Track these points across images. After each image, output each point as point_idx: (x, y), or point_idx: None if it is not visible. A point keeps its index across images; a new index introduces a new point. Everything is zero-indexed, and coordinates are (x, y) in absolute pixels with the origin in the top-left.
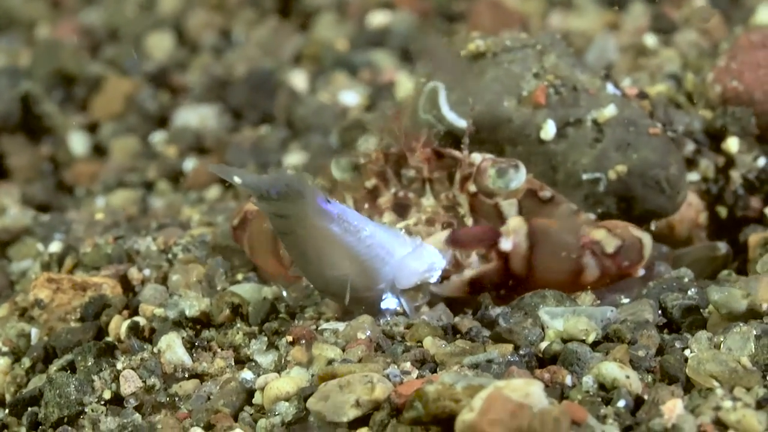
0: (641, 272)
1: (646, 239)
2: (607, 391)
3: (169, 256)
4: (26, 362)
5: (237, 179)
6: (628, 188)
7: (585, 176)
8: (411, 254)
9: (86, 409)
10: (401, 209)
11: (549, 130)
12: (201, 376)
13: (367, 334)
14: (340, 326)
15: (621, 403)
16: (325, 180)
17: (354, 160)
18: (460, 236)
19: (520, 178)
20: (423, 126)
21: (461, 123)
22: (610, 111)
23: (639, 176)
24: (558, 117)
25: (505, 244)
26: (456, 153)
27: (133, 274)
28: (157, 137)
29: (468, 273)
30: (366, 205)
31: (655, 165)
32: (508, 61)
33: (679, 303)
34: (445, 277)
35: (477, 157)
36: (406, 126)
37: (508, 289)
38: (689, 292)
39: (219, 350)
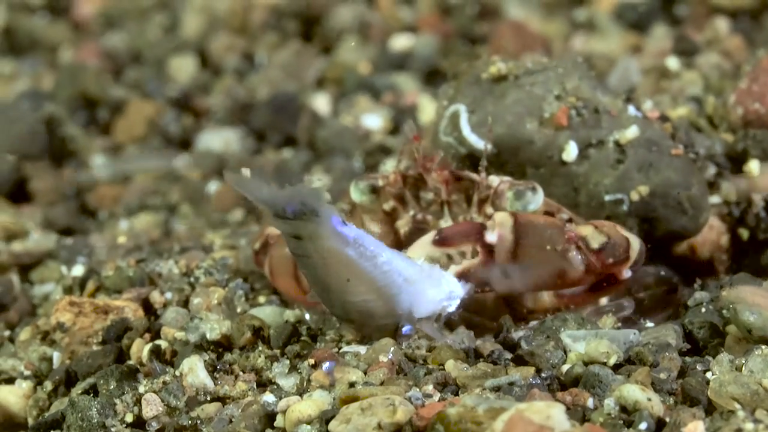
0: (627, 273)
1: (634, 240)
2: (628, 413)
3: (191, 279)
4: (48, 385)
5: (253, 193)
6: (650, 209)
7: (607, 197)
8: (429, 282)
9: None
10: (419, 232)
11: (571, 151)
12: (223, 399)
13: (389, 356)
14: (362, 349)
15: (643, 426)
16: (346, 202)
17: (373, 182)
18: (446, 234)
19: (537, 200)
20: (444, 148)
21: (482, 145)
22: (632, 132)
23: (661, 197)
24: (580, 138)
25: (491, 237)
26: (474, 175)
27: (155, 297)
28: (180, 160)
29: (454, 268)
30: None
31: (677, 185)
32: (530, 84)
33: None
34: None
35: (494, 180)
36: (426, 148)
37: (499, 287)
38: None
39: (241, 373)
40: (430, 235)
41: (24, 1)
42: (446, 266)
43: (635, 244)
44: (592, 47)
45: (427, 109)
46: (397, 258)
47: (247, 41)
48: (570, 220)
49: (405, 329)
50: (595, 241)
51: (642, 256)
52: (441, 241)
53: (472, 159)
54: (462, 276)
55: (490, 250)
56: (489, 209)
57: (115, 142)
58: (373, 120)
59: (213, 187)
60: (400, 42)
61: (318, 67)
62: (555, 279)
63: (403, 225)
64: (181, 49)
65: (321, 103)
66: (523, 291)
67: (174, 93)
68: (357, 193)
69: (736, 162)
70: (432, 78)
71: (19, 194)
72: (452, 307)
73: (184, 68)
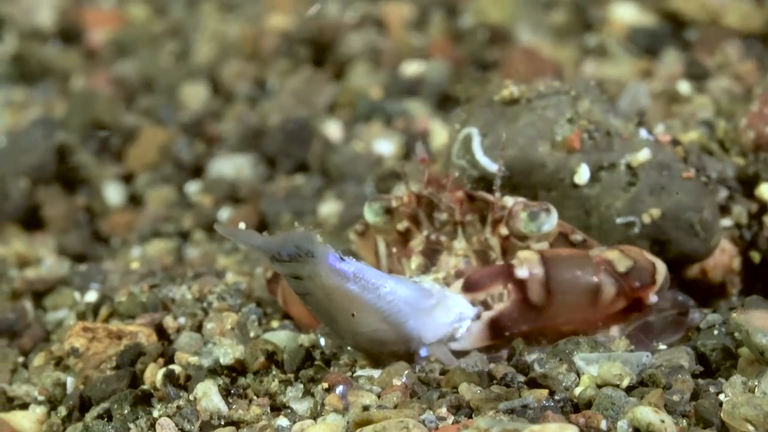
0: (653, 298)
1: (660, 265)
2: None
3: (204, 304)
4: (62, 411)
5: (246, 241)
6: (662, 231)
7: (619, 220)
8: (436, 306)
9: None
10: (433, 252)
11: (583, 174)
12: (237, 424)
13: (403, 380)
14: (376, 373)
15: None
16: (360, 223)
17: (386, 203)
18: (475, 279)
19: (551, 221)
20: (457, 171)
21: (495, 168)
22: (644, 155)
23: (673, 219)
24: (592, 161)
25: (521, 273)
26: (488, 196)
27: (169, 322)
28: (193, 187)
29: (487, 315)
30: (396, 249)
31: (688, 208)
32: (542, 107)
33: (715, 347)
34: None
35: (509, 200)
36: (436, 171)
37: (530, 324)
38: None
39: (255, 397)
40: (458, 283)
41: (36, 29)
42: (479, 315)
43: (661, 268)
44: (603, 72)
45: (439, 134)
46: (400, 286)
47: (259, 68)
48: (584, 242)
49: (421, 352)
50: (622, 264)
51: (667, 282)
52: (470, 287)
53: (484, 182)
54: (497, 321)
55: (522, 286)
56: (503, 230)
57: (128, 169)
58: (385, 145)
59: (225, 213)
60: (412, 68)
61: (329, 93)
62: (591, 306)
63: (416, 245)
64: (193, 76)
65: (332, 129)
66: (558, 323)
67: (186, 120)
68: (371, 214)
69: (747, 185)
70: (443, 104)
71: (32, 221)
72: (463, 328)
73: (195, 95)
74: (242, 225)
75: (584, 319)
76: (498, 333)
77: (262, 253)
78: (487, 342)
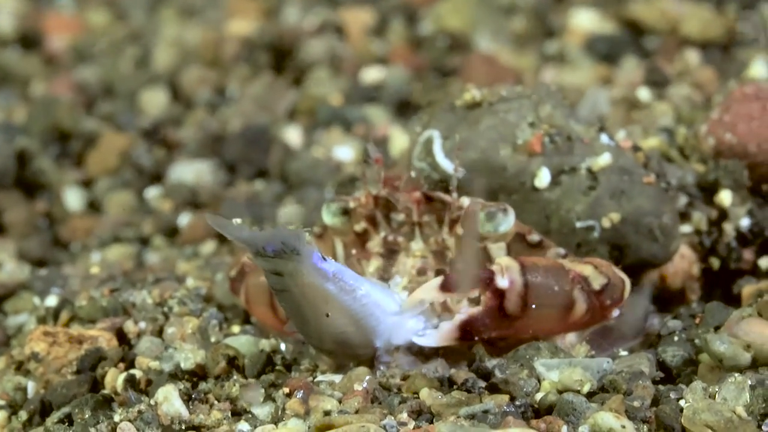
0: (615, 313)
1: (627, 281)
2: None
3: (165, 309)
4: (23, 415)
5: (233, 233)
6: (621, 236)
7: (578, 224)
8: (407, 313)
9: None
10: (390, 253)
11: (543, 177)
12: (198, 428)
13: (364, 385)
14: (337, 378)
15: None
16: (318, 226)
17: (344, 204)
18: (454, 281)
19: (508, 221)
20: (418, 174)
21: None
22: (604, 159)
23: (632, 224)
24: (553, 165)
25: (502, 282)
26: (445, 196)
27: (129, 326)
28: (152, 192)
29: (459, 317)
30: (355, 251)
31: (648, 213)
32: (503, 111)
33: (675, 354)
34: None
35: (466, 201)
36: (396, 172)
37: (499, 331)
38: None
39: (216, 402)
40: (437, 281)
41: None
42: (449, 315)
43: (628, 285)
44: (562, 79)
45: (398, 140)
46: (375, 290)
47: (219, 74)
48: (541, 242)
49: (383, 357)
50: (596, 282)
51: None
52: (449, 287)
53: (444, 185)
54: (467, 325)
55: (500, 295)
56: (460, 230)
57: (88, 174)
58: (345, 151)
59: (185, 219)
60: (372, 74)
61: (290, 99)
62: (560, 320)
63: (374, 246)
64: (153, 82)
65: (293, 135)
66: (527, 332)
67: (146, 125)
68: (329, 216)
69: (707, 192)
70: (403, 110)
71: None
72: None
73: (155, 101)
74: (237, 220)
75: (551, 331)
76: (467, 336)
77: (247, 247)
78: (454, 343)
